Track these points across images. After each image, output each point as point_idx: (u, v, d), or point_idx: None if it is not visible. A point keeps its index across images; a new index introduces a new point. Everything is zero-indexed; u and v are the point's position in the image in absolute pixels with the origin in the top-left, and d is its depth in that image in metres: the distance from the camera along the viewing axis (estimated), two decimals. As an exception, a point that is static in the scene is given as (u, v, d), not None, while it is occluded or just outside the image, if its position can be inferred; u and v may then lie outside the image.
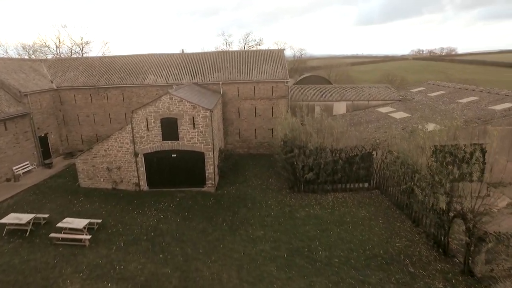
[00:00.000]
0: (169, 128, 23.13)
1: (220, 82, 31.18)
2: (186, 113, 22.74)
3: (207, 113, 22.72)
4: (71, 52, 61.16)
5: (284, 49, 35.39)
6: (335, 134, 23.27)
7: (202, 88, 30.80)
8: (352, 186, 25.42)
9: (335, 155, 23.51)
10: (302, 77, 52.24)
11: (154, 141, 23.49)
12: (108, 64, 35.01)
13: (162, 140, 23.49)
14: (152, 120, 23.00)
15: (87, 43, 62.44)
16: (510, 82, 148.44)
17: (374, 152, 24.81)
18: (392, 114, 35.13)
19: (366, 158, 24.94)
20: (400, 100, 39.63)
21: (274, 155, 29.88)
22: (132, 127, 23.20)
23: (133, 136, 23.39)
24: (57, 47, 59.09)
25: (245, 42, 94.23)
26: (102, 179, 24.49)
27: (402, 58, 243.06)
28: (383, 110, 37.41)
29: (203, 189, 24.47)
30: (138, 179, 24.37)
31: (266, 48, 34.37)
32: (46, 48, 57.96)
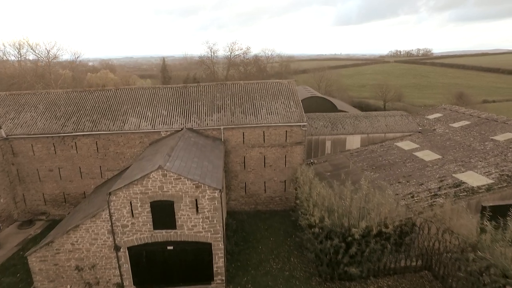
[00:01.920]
0: (163, 213, 16.93)
1: (222, 127, 25.19)
2: (186, 194, 16.61)
3: (216, 194, 16.68)
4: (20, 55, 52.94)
5: (295, 81, 29.34)
6: (383, 213, 17.79)
7: (198, 136, 24.47)
8: (394, 265, 20.17)
9: (382, 240, 18.09)
10: (302, 99, 46.66)
11: (142, 231, 17.21)
12: (77, 101, 27.77)
13: (154, 229, 17.25)
14: (139, 204, 16.71)
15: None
16: (491, 87, 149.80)
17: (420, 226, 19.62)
18: (417, 154, 30.22)
19: (410, 229, 19.77)
20: (420, 132, 34.87)
21: (289, 212, 24.29)
22: (110, 213, 16.80)
23: (112, 226, 17.00)
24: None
25: (231, 51, 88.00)
26: (69, 281, 17.94)
27: (384, 61, 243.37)
28: (404, 146, 32.47)
29: (209, 286, 18.45)
30: (121, 278, 18.04)
31: (275, 81, 27.62)
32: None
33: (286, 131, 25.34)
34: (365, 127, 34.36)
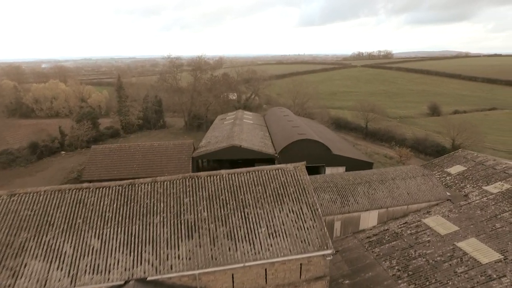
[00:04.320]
0: None
1: (196, 272, 14.95)
2: None
3: None
4: None
5: (305, 165, 19.10)
6: None
7: None
8: None
9: None
10: (290, 142, 37.48)
11: None
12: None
13: None
14: None
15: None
16: (457, 94, 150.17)
17: None
18: (462, 245, 22.16)
19: None
20: (449, 200, 26.94)
21: None
22: None
23: None
24: None
25: (197, 70, 77.32)
26: None
27: (351, 65, 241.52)
28: (437, 226, 24.33)
29: None
30: None
31: (276, 167, 16.97)
32: None
33: (301, 264, 15.67)
34: (383, 198, 25.80)
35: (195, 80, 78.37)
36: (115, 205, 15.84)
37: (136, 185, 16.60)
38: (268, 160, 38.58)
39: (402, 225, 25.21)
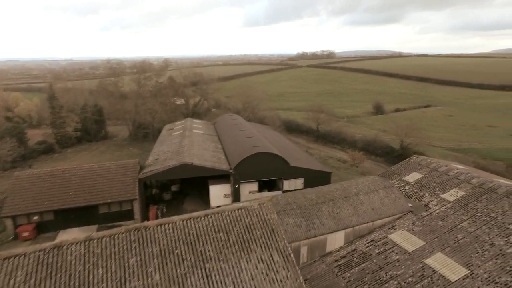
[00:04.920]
0: None
1: None
2: None
3: None
4: None
5: (270, 200, 16.32)
6: None
7: None
8: None
9: None
10: (245, 156, 35.15)
11: None
12: None
13: None
14: None
15: None
16: (396, 93, 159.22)
17: None
18: (430, 262, 21.59)
19: None
20: (411, 211, 26.56)
21: None
22: None
23: None
24: None
25: (141, 77, 72.05)
26: None
27: (297, 66, 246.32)
28: (403, 242, 23.65)
29: None
30: None
31: (238, 206, 14.28)
32: None
33: None
34: (349, 217, 24.56)
35: (138, 87, 72.87)
36: (32, 281, 12.03)
37: (64, 248, 12.91)
38: (223, 176, 35.97)
39: (369, 244, 24.17)
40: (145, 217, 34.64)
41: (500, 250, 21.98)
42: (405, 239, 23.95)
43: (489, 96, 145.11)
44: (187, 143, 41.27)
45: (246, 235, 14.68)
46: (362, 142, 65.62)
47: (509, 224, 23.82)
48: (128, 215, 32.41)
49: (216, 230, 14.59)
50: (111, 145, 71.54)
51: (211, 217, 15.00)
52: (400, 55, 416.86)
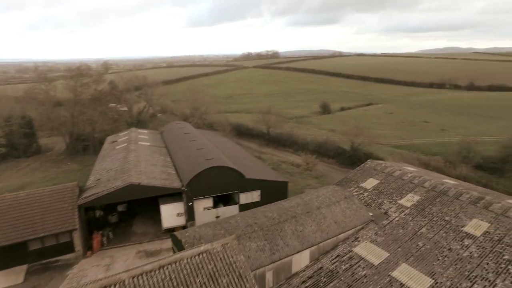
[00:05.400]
0: None
1: None
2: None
3: None
4: None
5: (235, 239, 14.25)
6: None
7: None
8: None
9: None
10: (198, 172, 32.63)
11: None
12: None
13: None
14: None
15: None
16: (339, 91, 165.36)
17: None
18: (397, 275, 21.24)
19: None
20: (373, 221, 26.31)
21: None
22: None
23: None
24: None
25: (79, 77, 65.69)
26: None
27: (243, 66, 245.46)
28: (369, 255, 23.14)
29: None
30: None
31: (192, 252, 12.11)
32: None
33: None
34: (313, 234, 23.49)
35: (75, 95, 66.28)
36: None
37: None
38: (175, 194, 33.22)
39: (335, 260, 23.30)
40: (88, 247, 30.75)
41: (458, 254, 22.36)
42: (370, 252, 23.47)
43: (421, 93, 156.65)
44: (133, 159, 37.69)
45: (211, 287, 12.62)
46: (313, 144, 66.10)
47: (462, 227, 24.49)
48: (67, 248, 28.32)
49: (175, 284, 12.32)
50: (45, 161, 64.17)
51: (167, 268, 12.68)
52: (340, 55, 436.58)
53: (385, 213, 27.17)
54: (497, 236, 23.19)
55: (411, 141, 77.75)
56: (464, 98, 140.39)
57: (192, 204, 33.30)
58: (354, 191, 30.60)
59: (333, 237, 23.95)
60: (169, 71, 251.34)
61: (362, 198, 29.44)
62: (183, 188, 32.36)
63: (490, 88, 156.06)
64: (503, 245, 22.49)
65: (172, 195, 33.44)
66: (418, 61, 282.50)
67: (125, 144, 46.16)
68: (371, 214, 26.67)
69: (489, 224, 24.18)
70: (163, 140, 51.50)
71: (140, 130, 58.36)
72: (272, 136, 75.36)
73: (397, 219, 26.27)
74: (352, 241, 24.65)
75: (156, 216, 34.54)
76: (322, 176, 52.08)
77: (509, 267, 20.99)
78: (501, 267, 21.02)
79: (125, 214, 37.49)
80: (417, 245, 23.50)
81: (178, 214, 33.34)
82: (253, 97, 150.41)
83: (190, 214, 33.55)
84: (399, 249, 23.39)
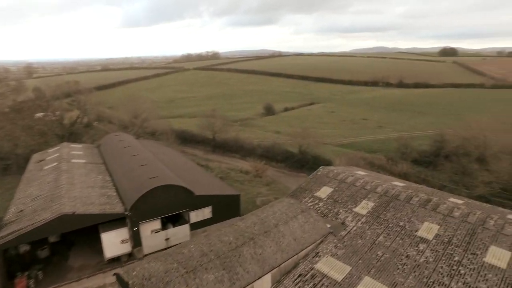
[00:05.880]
0: None
1: None
2: None
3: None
4: None
5: None
6: None
7: None
8: None
9: None
10: (141, 194, 29.53)
11: None
12: None
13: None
14: None
15: None
16: (281, 91, 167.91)
17: None
18: (360, 289, 20.74)
19: None
20: (331, 233, 25.80)
21: None
22: None
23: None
24: None
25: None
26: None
27: (184, 69, 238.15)
28: (331, 272, 22.45)
29: None
30: None
31: None
32: None
33: None
34: (273, 255, 22.17)
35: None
36: None
37: None
38: (117, 219, 29.81)
39: (297, 280, 22.22)
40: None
41: (415, 261, 22.60)
42: (332, 267, 22.80)
43: (357, 91, 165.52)
44: (66, 181, 33.26)
45: None
46: (261, 149, 65.40)
47: (416, 232, 24.97)
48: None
49: None
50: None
51: None
52: (280, 55, 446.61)
53: (343, 223, 26.85)
54: (446, 238, 23.93)
55: (353, 139, 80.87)
56: (395, 95, 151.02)
57: (138, 228, 30.19)
58: (309, 201, 29.99)
59: (294, 255, 22.86)
60: (104, 74, 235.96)
61: (318, 208, 28.90)
62: (126, 213, 29.13)
63: (417, 86, 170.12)
64: (452, 246, 23.25)
65: (115, 220, 29.97)
66: (352, 60, 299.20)
67: (56, 163, 40.93)
68: (329, 226, 26.13)
69: (439, 226, 24.93)
70: (100, 155, 46.79)
71: (73, 145, 52.58)
72: (218, 142, 73.34)
73: (354, 228, 26.06)
74: (313, 257, 23.81)
75: (96, 244, 30.73)
76: (272, 183, 51.41)
77: (460, 268, 21.66)
78: (453, 269, 21.58)
79: (58, 245, 32.85)
80: (377, 254, 23.37)
81: (123, 241, 30.00)
82: (196, 100, 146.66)
83: (136, 239, 30.38)
84: (360, 261, 23.03)
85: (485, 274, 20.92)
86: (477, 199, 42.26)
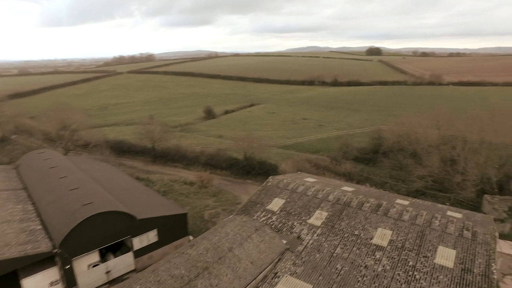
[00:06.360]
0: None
1: None
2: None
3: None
4: None
5: None
6: None
7: None
8: None
9: None
10: (72, 227, 25.49)
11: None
12: None
13: None
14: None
15: None
16: (221, 94, 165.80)
17: None
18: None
19: None
20: (288, 249, 24.69)
21: None
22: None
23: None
24: None
25: None
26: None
27: (117, 72, 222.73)
28: (292, 293, 21.23)
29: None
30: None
31: None
32: None
33: None
34: (230, 283, 20.36)
35: None
36: None
37: None
38: (42, 261, 25.45)
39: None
40: None
41: (374, 271, 22.44)
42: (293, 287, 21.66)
43: (295, 91, 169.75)
44: (-27, 217, 27.72)
45: None
46: (204, 157, 62.69)
47: (371, 239, 24.95)
48: None
49: None
50: None
51: None
52: (216, 55, 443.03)
53: (298, 237, 25.93)
54: (400, 243, 24.22)
55: (296, 140, 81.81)
56: (331, 93, 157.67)
57: (71, 265, 26.16)
58: (261, 216, 28.63)
59: (252, 281, 21.23)
60: (23, 79, 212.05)
61: (271, 223, 27.66)
62: (55, 251, 24.99)
63: (349, 84, 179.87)
64: (406, 251, 23.56)
65: (41, 261, 25.58)
66: (288, 59, 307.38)
67: (-40, 194, 34.26)
68: (284, 242, 25.00)
69: (391, 232, 25.20)
70: (20, 178, 40.51)
71: (-17, 168, 44.98)
72: (159, 151, 68.86)
73: (311, 242, 25.27)
74: (272, 279, 22.45)
75: (18, 290, 25.98)
76: (219, 193, 49.33)
77: (415, 273, 21.94)
78: (409, 276, 21.78)
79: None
80: (336, 268, 22.79)
81: (52, 284, 25.76)
82: (132, 106, 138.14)
83: (69, 278, 26.30)
84: (320, 277, 22.22)
85: (437, 276, 21.39)
86: (415, 194, 44.94)
